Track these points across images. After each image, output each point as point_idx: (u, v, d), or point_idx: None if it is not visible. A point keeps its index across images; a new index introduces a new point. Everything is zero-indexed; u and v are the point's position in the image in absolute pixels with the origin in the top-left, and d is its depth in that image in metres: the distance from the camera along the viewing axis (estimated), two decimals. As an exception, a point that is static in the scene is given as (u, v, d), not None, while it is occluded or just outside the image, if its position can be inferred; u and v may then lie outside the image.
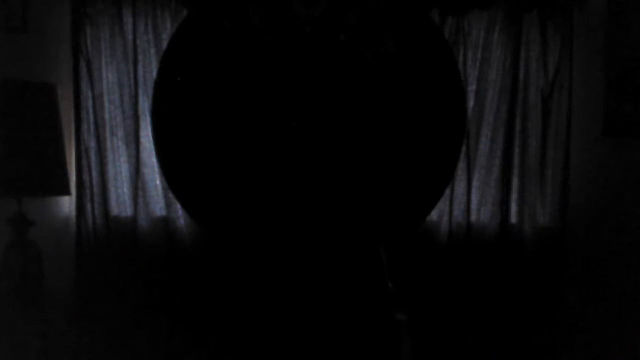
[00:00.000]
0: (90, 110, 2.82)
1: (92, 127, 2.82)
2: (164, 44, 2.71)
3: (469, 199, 2.90)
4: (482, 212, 2.93)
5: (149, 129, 2.69)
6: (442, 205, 2.86)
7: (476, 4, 2.83)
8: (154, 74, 2.74)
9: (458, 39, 2.86)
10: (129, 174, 2.86)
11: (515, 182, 2.91)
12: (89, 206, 2.82)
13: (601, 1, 2.91)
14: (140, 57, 2.82)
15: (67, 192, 2.72)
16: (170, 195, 2.75)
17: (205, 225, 2.64)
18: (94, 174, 2.82)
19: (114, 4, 2.80)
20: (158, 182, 2.86)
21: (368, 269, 2.61)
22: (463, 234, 2.90)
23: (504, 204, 2.90)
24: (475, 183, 2.91)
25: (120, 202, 2.87)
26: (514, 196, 2.92)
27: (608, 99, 2.93)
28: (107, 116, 2.84)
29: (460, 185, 2.90)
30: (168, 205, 2.85)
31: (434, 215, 2.87)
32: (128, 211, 2.87)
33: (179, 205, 2.77)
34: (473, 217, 2.92)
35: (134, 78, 2.83)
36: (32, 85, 2.60)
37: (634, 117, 2.90)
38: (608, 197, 2.91)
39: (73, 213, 2.85)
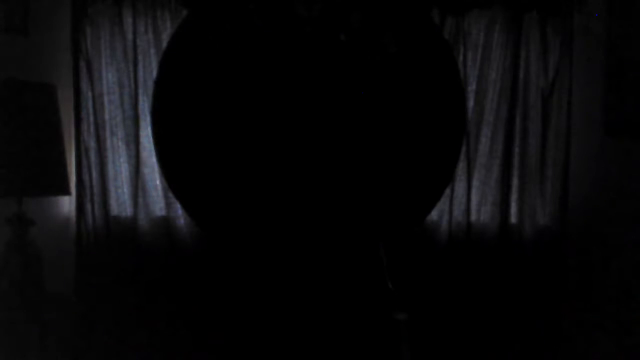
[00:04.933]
0: (90, 110, 2.82)
1: (92, 127, 2.82)
2: (164, 44, 2.71)
3: (469, 199, 2.90)
4: (482, 212, 2.93)
5: (149, 129, 2.69)
6: (442, 205, 2.86)
7: (476, 4, 2.83)
8: (154, 74, 2.74)
9: (458, 39, 2.86)
10: (129, 174, 2.85)
11: (515, 182, 2.92)
12: (89, 206, 2.82)
13: (601, 1, 2.90)
14: (140, 57, 2.82)
15: (67, 192, 2.72)
16: (170, 195, 2.75)
17: (205, 225, 2.65)
18: (94, 174, 2.82)
19: (114, 4, 2.80)
20: (158, 182, 2.86)
21: (368, 269, 2.61)
22: (463, 234, 2.90)
23: (504, 204, 2.90)
24: (475, 183, 2.91)
25: (120, 202, 2.87)
26: (514, 196, 2.92)
27: (608, 98, 2.93)
28: (107, 116, 2.84)
29: (460, 185, 2.90)
30: (168, 205, 2.85)
31: (434, 215, 2.87)
32: (128, 211, 2.87)
33: (179, 205, 2.76)
34: (473, 217, 2.92)
35: (134, 78, 2.82)
36: (32, 85, 2.59)
37: (634, 117, 2.89)
38: (608, 197, 2.91)
39: (73, 213, 2.85)
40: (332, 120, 2.48)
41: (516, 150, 2.90)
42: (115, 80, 2.84)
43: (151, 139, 2.67)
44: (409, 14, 2.54)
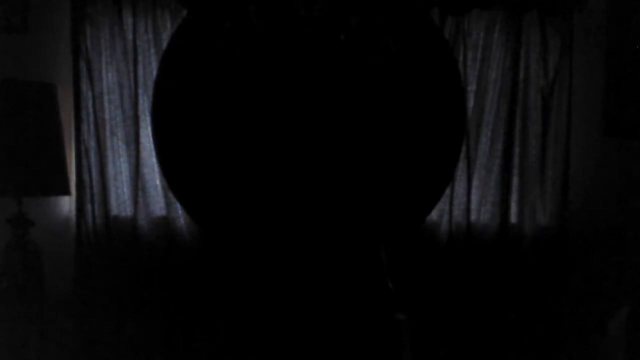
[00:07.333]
0: (90, 110, 2.82)
1: (92, 127, 2.82)
2: (164, 44, 2.71)
3: (469, 199, 2.90)
4: (482, 212, 2.93)
5: (149, 129, 2.69)
6: (442, 205, 2.86)
7: (476, 4, 2.83)
8: (154, 74, 2.74)
9: (458, 39, 2.86)
10: (129, 174, 2.85)
11: (515, 182, 2.92)
12: (89, 206, 2.82)
13: (601, 1, 2.91)
14: (140, 57, 2.82)
15: (67, 192, 2.72)
16: (170, 195, 2.75)
17: (205, 225, 2.65)
18: (94, 174, 2.82)
19: (114, 4, 2.80)
20: (158, 182, 2.86)
21: (368, 269, 2.61)
22: (463, 234, 2.90)
23: (504, 204, 2.90)
24: (475, 183, 2.91)
25: (120, 202, 2.87)
26: (514, 196, 2.92)
27: (608, 98, 2.93)
28: (107, 116, 2.84)
29: (460, 185, 2.90)
30: (168, 205, 2.85)
31: (434, 215, 2.87)
32: (128, 211, 2.87)
33: (179, 205, 2.76)
34: (473, 217, 2.92)
35: (134, 78, 2.82)
36: (32, 85, 2.59)
37: (633, 117, 2.90)
38: (608, 197, 2.91)
39: (73, 213, 2.85)
40: (332, 121, 2.48)
41: (516, 150, 2.91)
42: (115, 80, 2.84)
43: (151, 139, 2.67)
44: (409, 14, 2.54)
